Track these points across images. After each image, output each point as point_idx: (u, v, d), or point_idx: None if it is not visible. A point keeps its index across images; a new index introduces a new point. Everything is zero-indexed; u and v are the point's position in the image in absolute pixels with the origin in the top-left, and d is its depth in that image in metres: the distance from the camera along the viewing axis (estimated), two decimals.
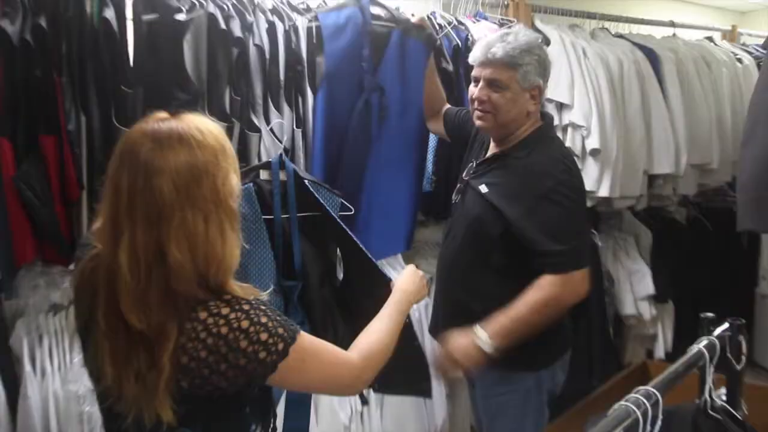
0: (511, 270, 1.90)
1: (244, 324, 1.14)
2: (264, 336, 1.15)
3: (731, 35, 4.43)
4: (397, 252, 2.63)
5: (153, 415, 1.11)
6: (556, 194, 1.82)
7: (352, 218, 2.07)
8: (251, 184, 1.87)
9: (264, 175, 1.92)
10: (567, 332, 2.07)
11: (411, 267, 1.67)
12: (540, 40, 2.08)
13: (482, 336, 1.81)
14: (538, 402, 1.99)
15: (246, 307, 1.16)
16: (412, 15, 2.41)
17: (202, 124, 1.16)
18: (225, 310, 1.14)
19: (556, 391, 2.06)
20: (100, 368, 1.15)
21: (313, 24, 2.21)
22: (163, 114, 1.17)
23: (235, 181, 1.19)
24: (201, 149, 1.12)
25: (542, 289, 1.81)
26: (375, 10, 2.31)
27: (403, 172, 2.44)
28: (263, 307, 1.18)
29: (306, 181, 1.91)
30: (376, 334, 1.40)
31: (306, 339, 1.23)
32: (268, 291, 1.28)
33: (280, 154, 1.95)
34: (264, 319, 1.16)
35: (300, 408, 1.81)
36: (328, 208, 1.90)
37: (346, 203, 2.01)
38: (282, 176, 1.91)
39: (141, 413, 1.11)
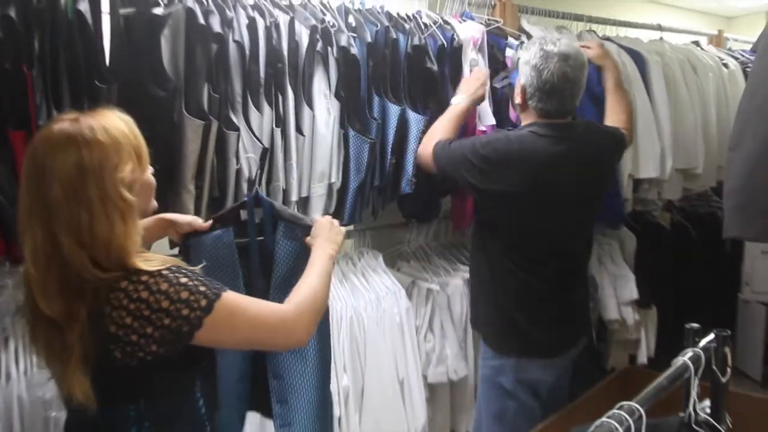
0: None
1: (164, 286, 1.24)
2: (185, 294, 1.25)
3: (717, 40, 4.44)
4: None
5: (70, 394, 1.23)
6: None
7: None
8: (230, 228, 1.79)
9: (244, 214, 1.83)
10: (526, 330, 2.21)
11: (325, 218, 1.74)
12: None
13: None
14: (496, 386, 2.25)
15: (165, 272, 1.26)
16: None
17: (96, 122, 1.24)
18: (145, 277, 1.24)
19: (539, 390, 2.26)
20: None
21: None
22: (70, 115, 1.26)
23: (127, 171, 1.26)
24: (88, 148, 1.21)
25: None
26: None
27: None
28: (184, 270, 1.29)
29: (282, 221, 1.79)
30: (306, 285, 1.47)
31: (231, 295, 1.31)
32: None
33: (256, 190, 1.87)
34: (184, 280, 1.26)
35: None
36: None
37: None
38: (258, 215, 1.82)
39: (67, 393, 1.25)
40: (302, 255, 1.69)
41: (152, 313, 1.23)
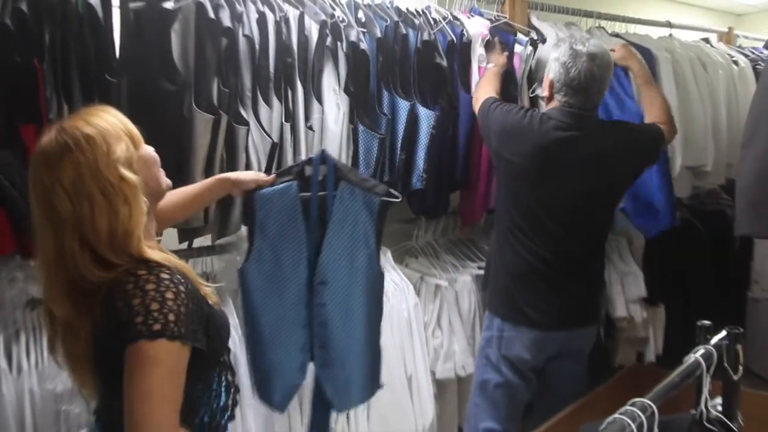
0: None
1: (149, 286, 1.21)
2: (155, 306, 1.19)
3: (727, 37, 4.42)
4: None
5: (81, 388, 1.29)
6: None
7: None
8: (295, 182, 1.95)
9: (308, 170, 2.00)
10: (515, 298, 2.36)
11: None
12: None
13: None
14: (484, 357, 2.43)
15: (163, 275, 1.24)
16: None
17: (77, 122, 1.26)
18: (142, 271, 1.23)
19: (521, 368, 2.38)
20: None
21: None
22: (52, 127, 1.27)
23: (120, 150, 1.25)
24: (79, 148, 1.22)
25: None
26: None
27: None
28: (181, 288, 1.23)
29: (344, 180, 1.98)
30: None
31: (182, 356, 1.21)
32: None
33: (322, 150, 2.02)
34: (169, 295, 1.21)
35: None
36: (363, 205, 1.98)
37: (393, 191, 2.02)
38: (323, 171, 1.98)
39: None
40: (357, 213, 1.96)
41: (123, 306, 1.20)
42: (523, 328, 2.36)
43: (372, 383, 2.13)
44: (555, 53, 2.30)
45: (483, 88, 2.54)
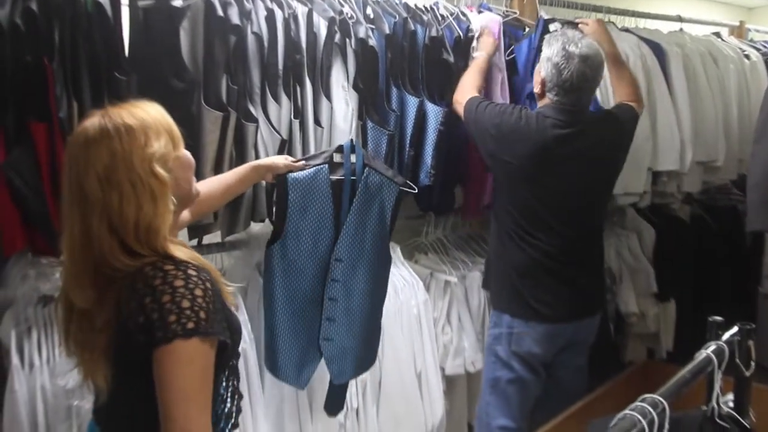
0: None
1: (178, 282, 1.21)
2: (186, 303, 1.19)
3: (739, 31, 4.37)
4: None
5: (92, 380, 1.28)
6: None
7: None
8: (326, 165, 2.07)
9: (337, 157, 2.13)
10: (521, 293, 2.37)
11: None
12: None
13: None
14: (493, 354, 2.43)
15: (191, 272, 1.23)
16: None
17: (123, 110, 1.27)
18: (169, 266, 1.23)
19: (533, 363, 2.39)
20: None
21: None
22: (101, 110, 1.28)
23: (158, 146, 1.26)
24: (118, 135, 1.23)
25: None
26: None
27: None
28: (208, 285, 1.23)
29: (368, 165, 2.13)
30: None
31: (212, 353, 1.22)
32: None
33: (351, 140, 2.15)
34: (198, 292, 1.21)
35: None
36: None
37: (410, 183, 2.20)
38: (352, 159, 2.12)
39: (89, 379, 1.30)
40: (378, 198, 2.14)
41: (152, 302, 1.19)
42: (533, 323, 2.36)
43: (369, 358, 2.28)
44: (547, 51, 2.29)
45: (466, 84, 2.48)
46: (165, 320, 1.18)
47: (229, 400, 1.40)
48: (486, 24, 2.66)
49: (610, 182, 2.51)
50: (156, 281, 1.21)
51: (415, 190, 2.19)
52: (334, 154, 2.11)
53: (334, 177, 2.09)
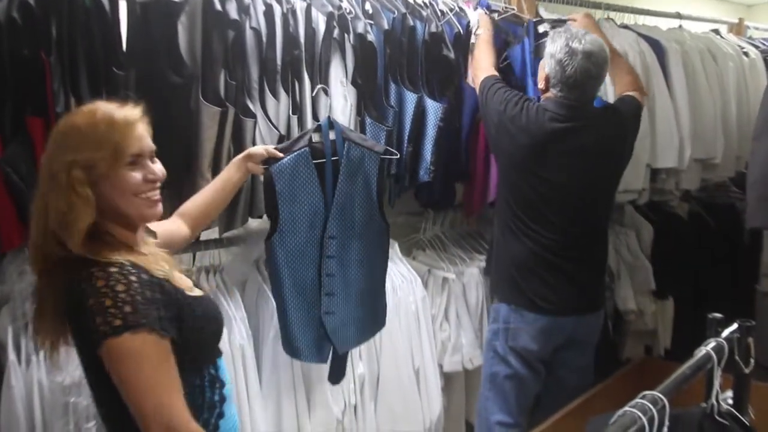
0: None
1: (100, 283, 1.21)
2: (108, 302, 1.19)
3: (738, 28, 4.37)
4: None
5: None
6: None
7: None
8: (306, 149, 2.06)
9: (316, 137, 2.14)
10: (518, 284, 2.38)
11: None
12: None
13: None
14: (492, 349, 2.45)
15: (112, 269, 1.23)
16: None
17: (71, 115, 1.33)
18: (94, 268, 1.23)
19: (530, 359, 2.39)
20: None
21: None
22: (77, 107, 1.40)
23: (84, 155, 1.26)
24: (52, 137, 1.30)
25: None
26: None
27: None
28: (132, 278, 1.22)
29: (347, 140, 2.14)
30: None
31: (149, 338, 1.20)
32: None
33: (328, 117, 2.15)
34: (119, 288, 1.21)
35: None
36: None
37: (390, 149, 2.23)
38: (331, 136, 2.12)
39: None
40: (361, 170, 2.14)
41: (79, 306, 1.22)
42: (530, 316, 2.37)
43: (374, 325, 2.32)
44: (551, 47, 2.29)
45: (480, 61, 2.54)
46: (94, 323, 1.19)
47: (207, 389, 1.37)
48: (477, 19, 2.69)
49: (614, 179, 2.51)
50: (82, 284, 1.22)
51: (396, 155, 2.23)
52: (313, 134, 2.11)
53: (315, 159, 2.09)
